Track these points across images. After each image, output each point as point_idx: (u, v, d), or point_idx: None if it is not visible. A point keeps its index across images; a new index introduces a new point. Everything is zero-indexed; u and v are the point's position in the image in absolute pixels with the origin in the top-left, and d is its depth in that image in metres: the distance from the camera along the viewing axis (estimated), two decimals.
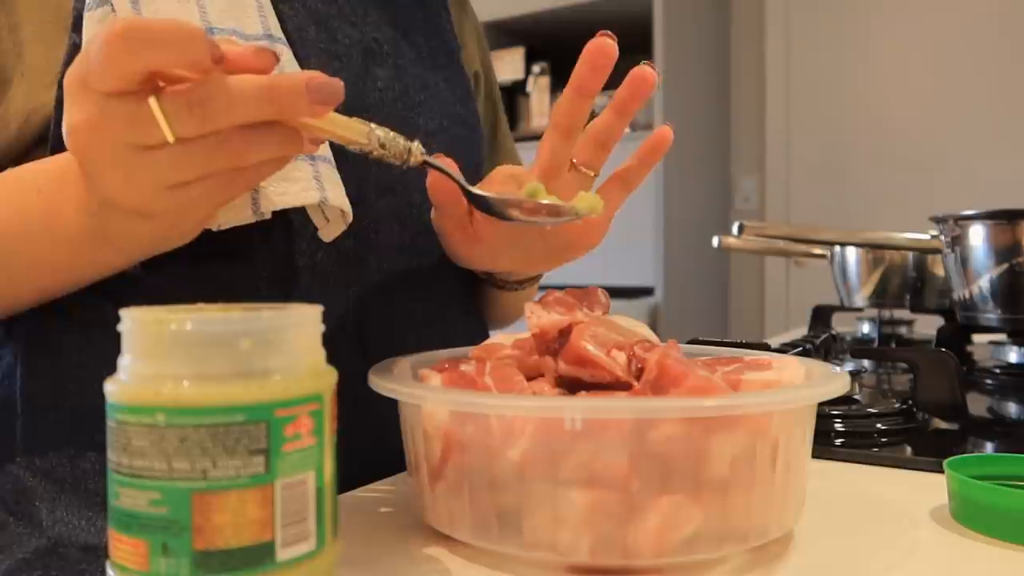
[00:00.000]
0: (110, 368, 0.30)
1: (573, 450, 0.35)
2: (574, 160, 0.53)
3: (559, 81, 2.83)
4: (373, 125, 0.41)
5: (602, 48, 0.48)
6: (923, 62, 2.55)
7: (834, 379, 0.40)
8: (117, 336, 0.30)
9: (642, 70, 0.49)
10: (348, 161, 0.54)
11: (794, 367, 0.44)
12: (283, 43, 0.50)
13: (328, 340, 0.33)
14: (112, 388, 0.29)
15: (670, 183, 2.47)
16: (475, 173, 0.66)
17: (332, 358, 0.34)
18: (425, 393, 0.39)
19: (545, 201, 0.46)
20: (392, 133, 0.42)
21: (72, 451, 0.50)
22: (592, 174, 0.54)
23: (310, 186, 0.47)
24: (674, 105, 2.48)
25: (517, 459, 0.36)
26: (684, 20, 2.58)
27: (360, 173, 0.55)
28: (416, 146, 0.43)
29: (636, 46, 2.72)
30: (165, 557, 0.28)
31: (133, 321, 0.30)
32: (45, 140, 0.49)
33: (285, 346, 0.30)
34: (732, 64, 2.88)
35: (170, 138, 0.36)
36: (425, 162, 0.44)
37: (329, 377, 0.32)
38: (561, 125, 0.52)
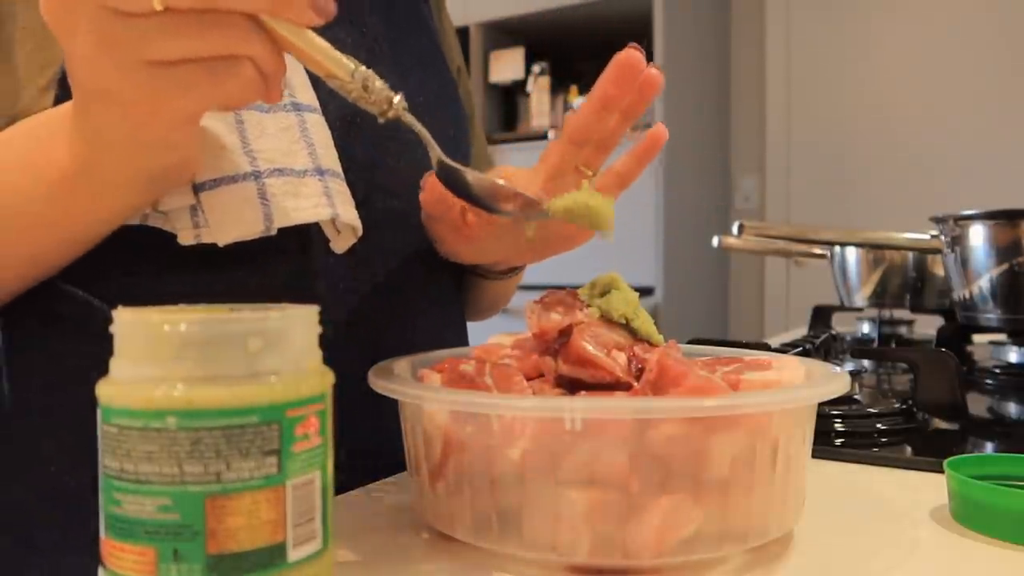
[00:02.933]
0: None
1: (573, 450, 0.35)
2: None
3: (559, 81, 2.83)
4: (361, 65, 0.39)
5: (629, 61, 0.46)
6: (923, 62, 2.55)
7: (834, 379, 0.40)
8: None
9: (650, 73, 0.48)
10: (356, 165, 0.54)
11: (794, 367, 0.44)
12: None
13: (340, 341, 0.33)
14: (109, 392, 0.28)
15: (670, 183, 2.47)
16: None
17: (344, 358, 0.33)
18: (425, 393, 0.39)
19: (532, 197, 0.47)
20: (378, 80, 0.40)
21: (67, 464, 0.47)
22: (590, 173, 0.53)
23: (321, 202, 0.47)
24: (674, 105, 2.48)
25: (517, 459, 0.36)
26: (684, 20, 2.58)
27: (367, 177, 0.56)
28: (399, 100, 0.41)
29: None
30: (176, 564, 0.27)
31: (133, 322, 0.28)
32: None
33: (292, 346, 0.30)
34: (732, 64, 2.88)
35: (158, 5, 0.32)
36: (401, 118, 0.42)
37: (329, 377, 0.32)
38: (576, 137, 0.51)
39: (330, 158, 0.49)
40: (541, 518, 0.36)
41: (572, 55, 2.96)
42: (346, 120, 0.55)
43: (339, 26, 0.57)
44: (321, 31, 0.55)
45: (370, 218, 0.56)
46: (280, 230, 0.46)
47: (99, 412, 0.29)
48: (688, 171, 2.60)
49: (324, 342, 0.33)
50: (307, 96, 0.50)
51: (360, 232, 0.50)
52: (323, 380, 0.31)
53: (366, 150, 0.56)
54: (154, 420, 0.27)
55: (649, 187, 2.45)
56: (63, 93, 0.46)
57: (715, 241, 1.35)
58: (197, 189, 0.44)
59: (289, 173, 0.46)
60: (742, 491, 0.37)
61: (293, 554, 0.29)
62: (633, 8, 2.53)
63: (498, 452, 0.36)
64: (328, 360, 0.33)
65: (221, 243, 0.44)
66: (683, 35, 2.57)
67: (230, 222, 0.44)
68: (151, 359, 0.28)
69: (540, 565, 0.37)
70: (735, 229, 1.12)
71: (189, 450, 0.27)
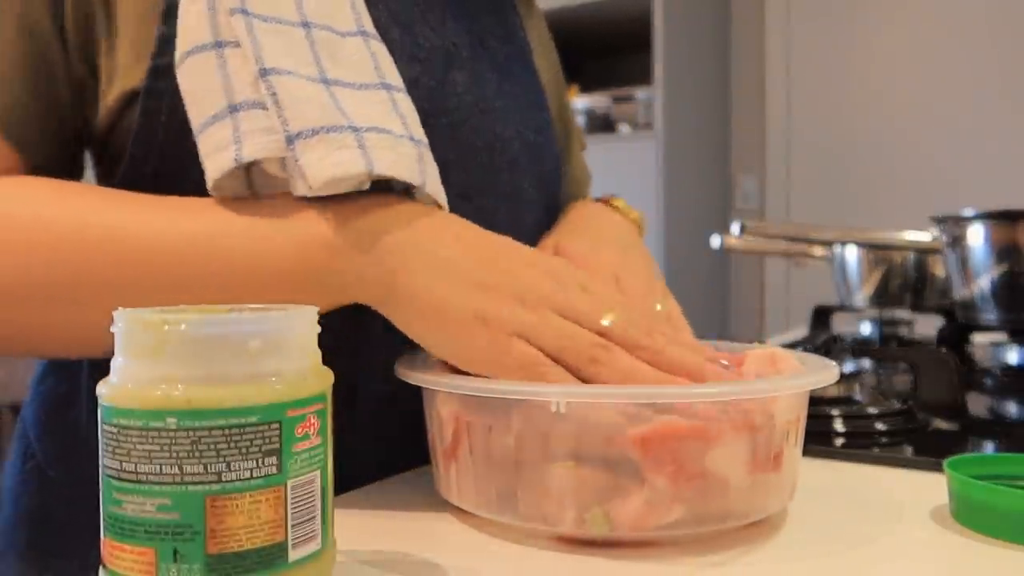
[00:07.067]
0: None
1: (559, 431, 0.37)
2: None
3: None
4: None
5: None
6: (924, 62, 2.55)
7: (824, 371, 0.42)
8: None
9: None
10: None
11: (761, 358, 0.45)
12: (376, 39, 0.50)
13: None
14: (109, 392, 0.28)
15: (670, 183, 2.47)
16: (550, 178, 0.67)
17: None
18: (434, 379, 0.41)
19: None
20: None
21: None
22: None
23: (415, 167, 0.45)
24: (674, 105, 2.48)
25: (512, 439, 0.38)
26: (684, 20, 2.58)
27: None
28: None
29: (636, 46, 2.72)
30: (176, 564, 0.27)
31: (134, 322, 0.29)
32: (114, 129, 0.49)
33: (292, 346, 0.30)
34: (732, 64, 2.88)
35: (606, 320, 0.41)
36: None
37: (329, 377, 0.32)
38: None
39: (420, 131, 0.48)
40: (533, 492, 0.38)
41: (572, 55, 2.95)
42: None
43: (417, 29, 0.57)
44: (399, 33, 0.57)
45: None
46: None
47: (99, 412, 0.29)
48: (688, 171, 2.60)
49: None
50: (396, 79, 0.49)
51: (446, 208, 0.49)
52: (323, 380, 0.31)
53: (437, 149, 0.55)
54: (154, 420, 0.27)
55: (649, 187, 2.45)
56: (151, 81, 0.47)
57: (715, 241, 1.35)
58: (292, 139, 0.42)
59: (387, 132, 0.45)
60: (723, 480, 0.38)
61: (293, 554, 0.29)
62: (633, 8, 2.53)
63: (496, 433, 0.39)
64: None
65: (316, 186, 0.42)
66: (683, 35, 2.57)
67: (327, 163, 0.42)
68: (151, 359, 0.28)
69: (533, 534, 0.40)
70: (735, 229, 1.12)
71: (189, 450, 0.27)
